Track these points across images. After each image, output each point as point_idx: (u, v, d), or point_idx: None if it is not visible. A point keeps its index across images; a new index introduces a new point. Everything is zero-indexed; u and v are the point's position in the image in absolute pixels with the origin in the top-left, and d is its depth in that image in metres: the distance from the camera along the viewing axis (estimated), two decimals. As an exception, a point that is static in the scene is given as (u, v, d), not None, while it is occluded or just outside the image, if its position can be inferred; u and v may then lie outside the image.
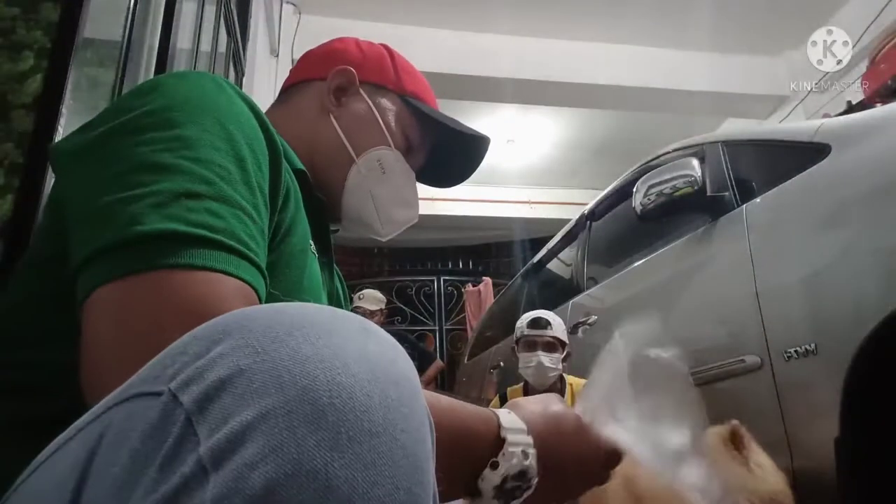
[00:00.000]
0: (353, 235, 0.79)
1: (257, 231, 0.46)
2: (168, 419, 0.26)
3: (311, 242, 0.63)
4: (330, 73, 0.77)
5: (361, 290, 4.08)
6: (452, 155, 0.85)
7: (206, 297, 0.39)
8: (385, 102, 0.78)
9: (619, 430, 0.56)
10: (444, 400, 0.45)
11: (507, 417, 0.50)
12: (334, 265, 0.77)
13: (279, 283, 0.52)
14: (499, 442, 0.47)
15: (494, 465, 0.46)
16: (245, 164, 0.47)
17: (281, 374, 0.26)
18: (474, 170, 0.88)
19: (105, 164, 0.45)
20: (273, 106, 0.81)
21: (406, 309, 6.48)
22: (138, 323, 0.38)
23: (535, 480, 0.48)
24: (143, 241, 0.40)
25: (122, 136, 0.46)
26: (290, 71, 0.84)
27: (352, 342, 0.29)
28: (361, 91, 0.77)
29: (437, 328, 6.50)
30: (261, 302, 0.44)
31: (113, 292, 0.39)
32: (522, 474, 0.47)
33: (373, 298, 3.98)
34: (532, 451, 0.48)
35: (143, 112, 0.47)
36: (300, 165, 0.65)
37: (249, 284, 0.43)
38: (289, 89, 0.81)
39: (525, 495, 0.48)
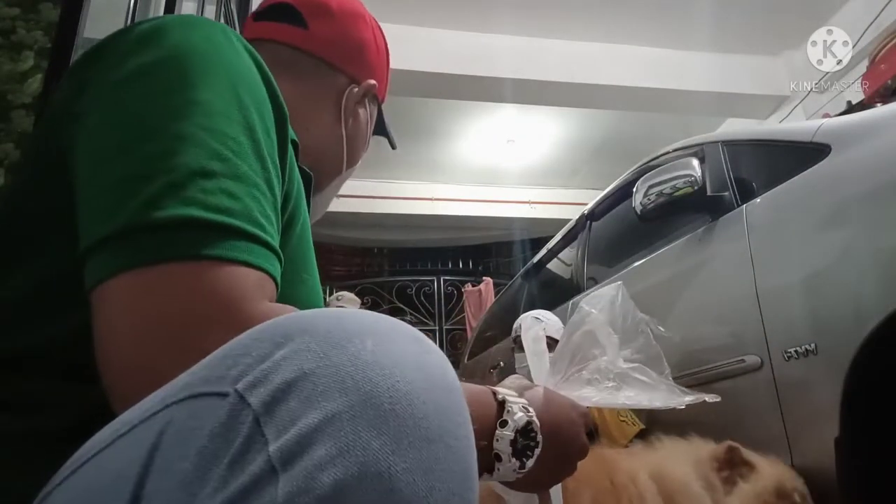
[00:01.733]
0: None
1: (271, 208, 0.45)
2: (236, 419, 0.27)
3: None
4: (363, 83, 0.76)
5: (340, 291, 4.27)
6: None
7: (230, 293, 0.39)
8: (374, 112, 0.81)
9: (580, 392, 0.64)
10: None
11: (497, 389, 0.53)
12: None
13: (294, 257, 0.51)
14: (500, 407, 0.51)
15: (503, 424, 0.50)
16: (255, 133, 0.46)
17: (344, 379, 0.27)
18: None
19: (116, 124, 0.43)
20: (277, 63, 0.65)
21: (406, 309, 6.47)
22: (163, 318, 0.38)
23: (540, 438, 0.51)
24: (161, 229, 0.39)
25: (131, 90, 0.44)
26: (294, 15, 0.73)
27: (408, 351, 0.30)
28: (367, 103, 0.79)
29: (437, 328, 6.49)
30: (277, 289, 0.44)
31: (133, 282, 0.38)
32: (529, 428, 0.50)
33: (350, 300, 4.17)
34: (530, 407, 0.52)
35: (152, 63, 0.45)
36: (294, 136, 0.60)
37: (268, 273, 0.43)
38: (305, 53, 0.73)
39: (535, 454, 0.51)
